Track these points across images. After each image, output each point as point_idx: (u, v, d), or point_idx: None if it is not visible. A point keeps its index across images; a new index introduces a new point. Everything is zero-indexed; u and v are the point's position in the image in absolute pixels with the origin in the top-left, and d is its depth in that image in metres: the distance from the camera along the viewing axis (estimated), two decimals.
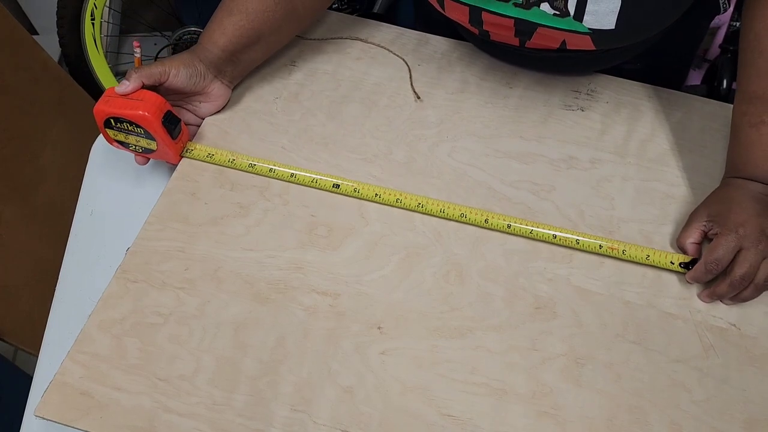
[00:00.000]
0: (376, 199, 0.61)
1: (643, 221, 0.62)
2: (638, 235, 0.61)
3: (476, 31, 0.63)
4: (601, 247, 0.58)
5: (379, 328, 0.55)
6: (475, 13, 0.59)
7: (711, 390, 0.53)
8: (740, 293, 0.56)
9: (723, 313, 0.57)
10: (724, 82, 1.07)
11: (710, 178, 0.65)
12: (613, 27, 0.54)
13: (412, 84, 0.72)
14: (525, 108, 0.70)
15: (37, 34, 1.78)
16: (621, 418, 0.51)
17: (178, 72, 0.61)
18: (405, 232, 0.60)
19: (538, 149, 0.67)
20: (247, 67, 0.69)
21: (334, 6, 1.43)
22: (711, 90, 1.12)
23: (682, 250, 0.59)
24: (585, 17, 0.54)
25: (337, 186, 0.61)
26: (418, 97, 0.70)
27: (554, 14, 0.55)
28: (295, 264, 0.58)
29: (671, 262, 0.58)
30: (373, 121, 0.68)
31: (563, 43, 0.59)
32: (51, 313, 0.61)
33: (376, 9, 1.42)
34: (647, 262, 0.58)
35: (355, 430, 0.50)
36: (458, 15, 0.61)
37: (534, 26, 0.58)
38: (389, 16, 1.41)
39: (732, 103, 0.70)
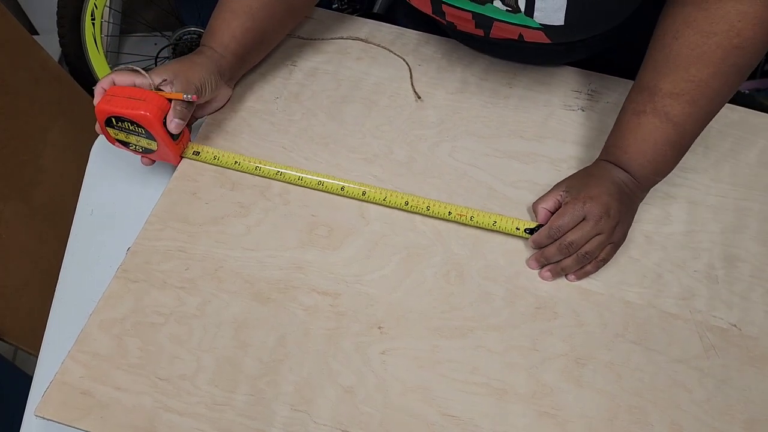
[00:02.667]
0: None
1: (642, 221, 0.62)
2: (639, 235, 0.61)
3: (443, 21, 0.65)
4: (450, 213, 0.60)
5: (379, 328, 0.55)
6: (437, 5, 0.61)
7: (711, 390, 0.53)
8: (562, 262, 0.57)
9: (724, 313, 0.57)
10: None
11: (710, 178, 0.65)
12: (562, 23, 0.55)
13: (412, 84, 0.72)
14: (525, 108, 0.70)
15: (37, 34, 1.78)
16: (621, 418, 0.51)
17: (206, 94, 0.62)
18: (405, 232, 0.60)
19: (538, 149, 0.67)
20: (249, 66, 0.69)
21: (334, 6, 1.43)
22: None
23: (535, 214, 0.60)
24: (535, 13, 0.55)
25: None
26: (419, 97, 0.70)
27: (506, 10, 0.56)
28: (295, 264, 0.58)
29: (516, 228, 0.59)
30: (373, 120, 0.68)
31: (520, 35, 0.60)
32: (51, 313, 0.61)
33: (376, 9, 1.42)
34: (494, 228, 0.59)
35: (356, 430, 0.50)
36: (422, 5, 0.63)
37: (490, 20, 0.59)
38: (389, 16, 1.41)
39: (732, 103, 0.71)
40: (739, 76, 0.54)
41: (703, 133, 0.68)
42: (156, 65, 1.62)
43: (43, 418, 0.49)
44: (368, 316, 0.55)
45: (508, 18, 0.58)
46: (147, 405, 0.50)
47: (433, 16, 0.64)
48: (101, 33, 1.56)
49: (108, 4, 1.56)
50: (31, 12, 1.75)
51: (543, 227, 0.58)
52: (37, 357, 0.60)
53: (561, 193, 0.59)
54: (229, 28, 0.63)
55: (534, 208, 0.60)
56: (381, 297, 0.56)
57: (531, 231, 0.59)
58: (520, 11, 0.55)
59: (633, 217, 0.60)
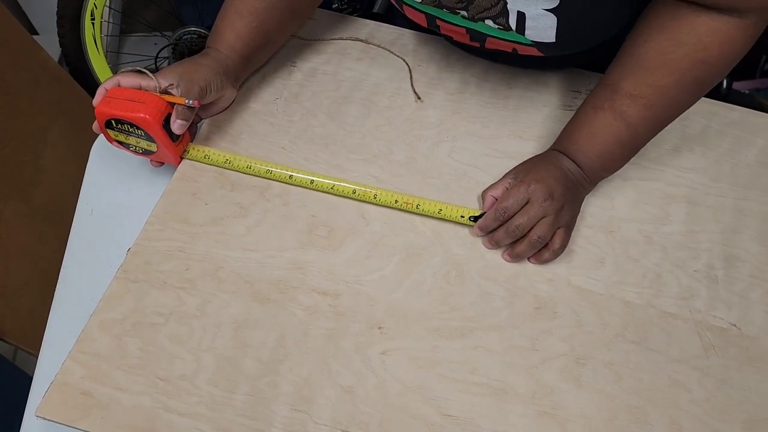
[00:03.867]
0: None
1: (643, 221, 0.62)
2: (638, 234, 0.61)
3: (439, 34, 0.66)
4: (396, 201, 0.60)
5: (379, 328, 0.55)
6: (431, 19, 0.62)
7: (711, 390, 0.53)
8: (516, 247, 0.58)
9: (723, 313, 0.57)
10: (724, 82, 1.07)
11: (710, 178, 0.66)
12: (553, 40, 0.56)
13: (412, 84, 0.72)
14: (525, 108, 0.70)
15: (37, 34, 1.78)
16: (621, 418, 0.51)
17: (209, 95, 0.62)
18: (405, 233, 0.60)
19: (538, 149, 0.66)
20: (254, 68, 0.69)
21: (334, 6, 1.43)
22: (711, 90, 1.12)
23: (483, 201, 0.61)
24: (526, 31, 0.56)
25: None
26: (419, 98, 0.70)
27: (498, 28, 0.57)
28: (295, 264, 0.58)
29: (461, 216, 0.60)
30: (373, 121, 0.68)
31: (514, 49, 0.61)
32: (51, 313, 0.61)
33: (376, 9, 1.42)
34: (439, 216, 0.60)
35: (356, 430, 0.50)
36: (417, 19, 0.64)
37: (483, 35, 0.60)
38: (389, 16, 1.41)
39: (732, 103, 0.71)
40: (699, 90, 0.56)
41: (702, 132, 0.69)
42: (156, 65, 1.62)
43: (44, 419, 0.49)
44: (368, 317, 0.55)
45: (500, 35, 0.58)
46: (147, 405, 0.50)
47: (429, 28, 0.65)
48: (101, 33, 1.56)
49: (108, 4, 1.56)
50: (31, 12, 1.75)
51: (489, 210, 0.58)
52: (37, 357, 0.60)
53: (509, 180, 0.60)
54: (234, 28, 0.63)
55: (483, 196, 0.61)
56: (381, 297, 0.56)
57: (476, 219, 0.59)
58: (511, 29, 0.56)
59: (580, 206, 0.61)
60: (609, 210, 0.63)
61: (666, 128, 0.68)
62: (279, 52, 0.73)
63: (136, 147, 0.61)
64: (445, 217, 0.60)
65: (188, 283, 0.56)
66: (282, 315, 0.55)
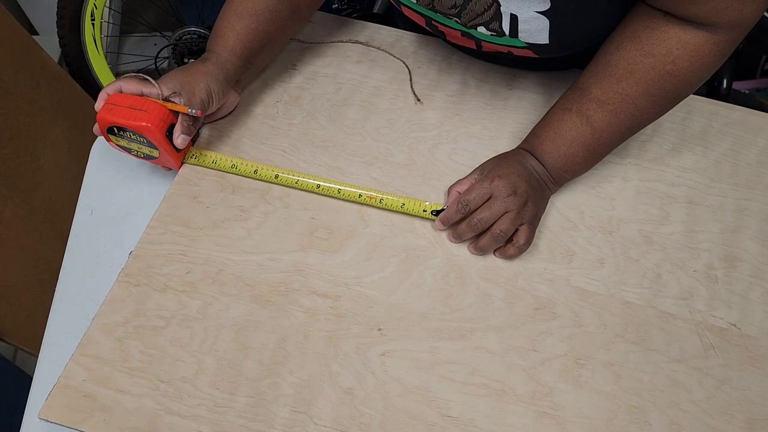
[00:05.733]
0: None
1: (643, 221, 0.62)
2: (638, 235, 0.61)
3: (437, 35, 0.66)
4: (360, 196, 0.61)
5: (379, 329, 0.55)
6: (428, 20, 0.62)
7: (711, 390, 0.53)
8: (479, 240, 0.58)
9: (723, 313, 0.57)
10: (724, 82, 1.07)
11: (710, 178, 0.66)
12: (547, 42, 0.56)
13: (412, 86, 0.72)
14: (525, 109, 0.70)
15: (37, 34, 1.78)
16: (621, 418, 0.51)
17: (212, 106, 0.62)
18: (405, 234, 0.60)
19: None
20: (256, 71, 0.69)
21: (334, 6, 1.43)
22: (711, 90, 1.12)
23: (448, 196, 0.62)
24: (519, 34, 0.56)
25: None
26: (419, 100, 0.70)
27: (491, 34, 0.57)
28: (295, 266, 0.58)
29: (423, 210, 0.60)
30: (373, 123, 0.68)
31: (510, 51, 0.61)
32: (51, 313, 0.61)
33: (376, 9, 1.42)
34: (402, 210, 0.61)
35: (356, 431, 0.50)
36: (416, 19, 0.64)
37: (479, 40, 0.61)
38: (389, 17, 1.41)
39: (733, 102, 0.71)
40: (667, 102, 0.56)
41: (702, 132, 0.69)
42: (156, 65, 1.62)
43: (47, 421, 0.50)
44: (368, 318, 0.55)
45: (494, 40, 0.59)
46: (149, 407, 0.50)
47: (427, 29, 0.65)
48: (101, 33, 1.56)
49: (108, 4, 1.56)
50: (31, 12, 1.75)
51: (452, 203, 0.59)
52: (37, 357, 0.60)
53: (475, 176, 0.60)
54: (234, 30, 0.63)
55: (448, 191, 0.62)
56: (381, 299, 0.56)
57: (437, 213, 0.60)
58: (504, 34, 0.56)
59: (545, 205, 0.61)
60: (609, 210, 0.63)
61: (666, 128, 0.69)
62: (279, 55, 0.73)
63: (138, 152, 0.61)
64: (408, 212, 0.61)
65: (189, 286, 0.56)
66: (282, 317, 0.55)
